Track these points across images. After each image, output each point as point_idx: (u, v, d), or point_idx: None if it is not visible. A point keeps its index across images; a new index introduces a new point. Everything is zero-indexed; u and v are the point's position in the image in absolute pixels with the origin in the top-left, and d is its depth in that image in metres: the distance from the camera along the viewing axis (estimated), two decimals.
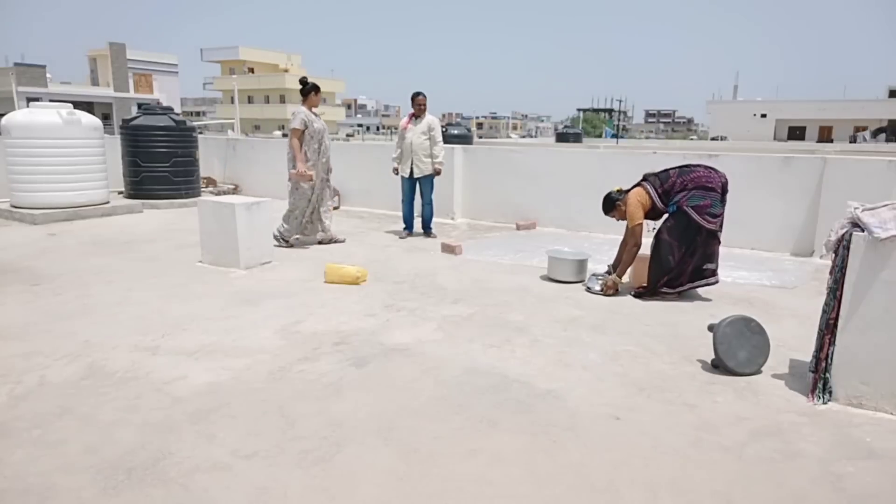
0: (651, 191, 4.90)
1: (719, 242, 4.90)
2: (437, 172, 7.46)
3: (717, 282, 4.97)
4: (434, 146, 7.33)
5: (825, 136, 55.77)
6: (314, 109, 6.85)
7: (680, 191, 4.79)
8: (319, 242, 6.93)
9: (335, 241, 7.01)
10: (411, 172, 7.37)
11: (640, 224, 4.89)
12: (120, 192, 9.96)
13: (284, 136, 31.36)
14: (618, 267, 5.16)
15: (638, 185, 5.03)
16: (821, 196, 6.61)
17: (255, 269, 5.73)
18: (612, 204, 5.09)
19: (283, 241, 6.75)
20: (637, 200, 4.92)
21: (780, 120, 60.37)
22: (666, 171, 4.96)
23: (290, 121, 6.79)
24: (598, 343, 3.94)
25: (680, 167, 4.98)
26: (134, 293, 4.88)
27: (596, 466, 2.52)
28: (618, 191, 5.11)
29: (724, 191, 4.82)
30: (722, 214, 4.80)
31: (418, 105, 7.30)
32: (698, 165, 4.97)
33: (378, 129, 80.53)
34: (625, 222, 5.04)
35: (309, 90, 6.77)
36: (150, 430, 2.75)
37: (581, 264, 5.50)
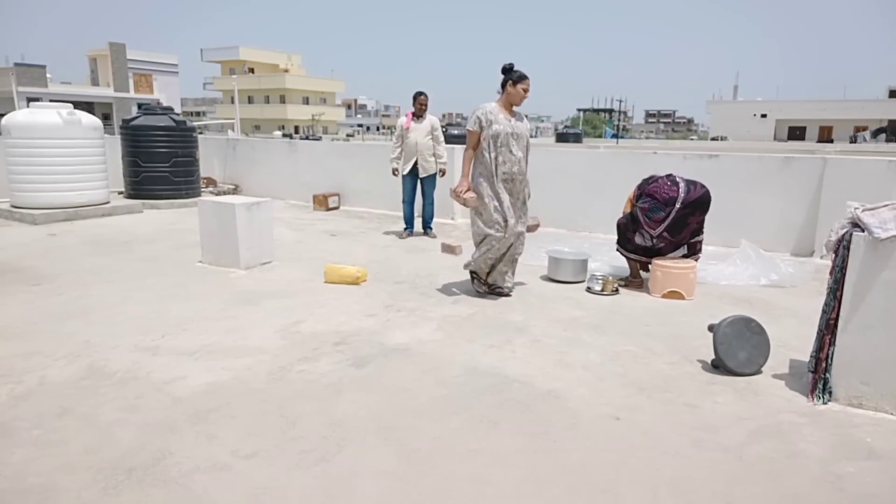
0: (634, 195, 5.37)
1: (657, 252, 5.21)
2: (443, 173, 7.47)
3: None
4: (437, 146, 7.34)
5: (825, 136, 55.79)
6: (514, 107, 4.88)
7: (640, 194, 5.25)
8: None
9: (498, 292, 5.01)
10: (416, 172, 7.37)
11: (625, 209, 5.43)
12: (120, 192, 9.96)
13: (285, 136, 31.44)
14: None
15: (642, 188, 5.31)
16: (821, 196, 6.61)
17: (255, 269, 5.73)
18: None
19: (479, 283, 5.08)
20: (628, 199, 5.46)
21: (781, 120, 60.40)
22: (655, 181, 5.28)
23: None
24: (598, 343, 3.94)
25: (658, 178, 5.26)
26: (134, 293, 4.88)
27: (596, 466, 2.52)
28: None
29: (671, 203, 5.02)
30: (664, 220, 5.04)
31: (420, 105, 7.30)
32: (672, 177, 5.19)
33: (378, 129, 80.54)
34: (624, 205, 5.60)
35: (505, 80, 4.80)
36: (150, 430, 2.75)
37: (581, 264, 5.50)
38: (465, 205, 4.86)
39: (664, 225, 5.02)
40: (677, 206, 4.96)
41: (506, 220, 4.76)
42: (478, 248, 4.97)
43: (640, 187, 5.28)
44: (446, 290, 5.14)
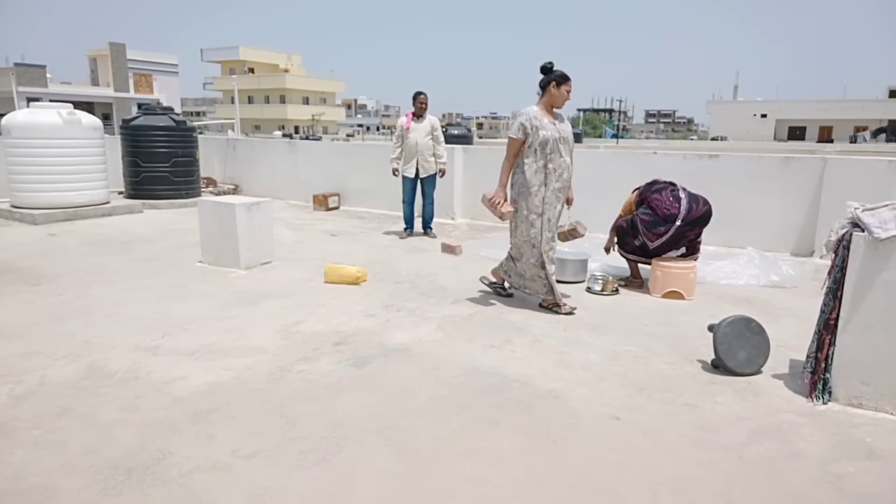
0: (635, 201, 5.30)
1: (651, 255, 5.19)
2: (443, 173, 7.47)
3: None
4: (438, 146, 7.34)
5: (825, 136, 55.79)
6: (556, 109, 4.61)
7: (641, 202, 5.21)
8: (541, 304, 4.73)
9: (557, 310, 4.59)
10: (416, 172, 7.36)
11: (619, 215, 5.41)
12: (120, 192, 9.97)
13: (285, 136, 31.41)
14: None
15: (644, 194, 5.24)
16: (821, 196, 6.61)
17: (256, 269, 5.73)
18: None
19: (500, 288, 4.99)
20: (628, 201, 5.38)
21: (781, 120, 60.39)
22: (659, 190, 5.19)
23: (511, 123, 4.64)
24: (598, 343, 3.94)
25: (663, 186, 5.21)
26: (134, 293, 4.88)
27: (596, 466, 2.52)
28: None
29: (671, 220, 4.98)
30: (663, 235, 5.02)
31: (420, 104, 7.30)
32: (675, 191, 5.13)
33: (378, 129, 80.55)
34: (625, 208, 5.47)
35: (548, 81, 4.51)
36: (150, 430, 2.75)
37: (581, 264, 5.50)
38: (501, 218, 4.54)
39: (662, 239, 5.02)
40: (677, 223, 4.95)
41: (542, 235, 4.52)
42: (513, 262, 4.77)
43: (642, 193, 5.24)
44: (446, 290, 5.14)
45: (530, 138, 4.44)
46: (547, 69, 4.52)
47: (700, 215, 4.99)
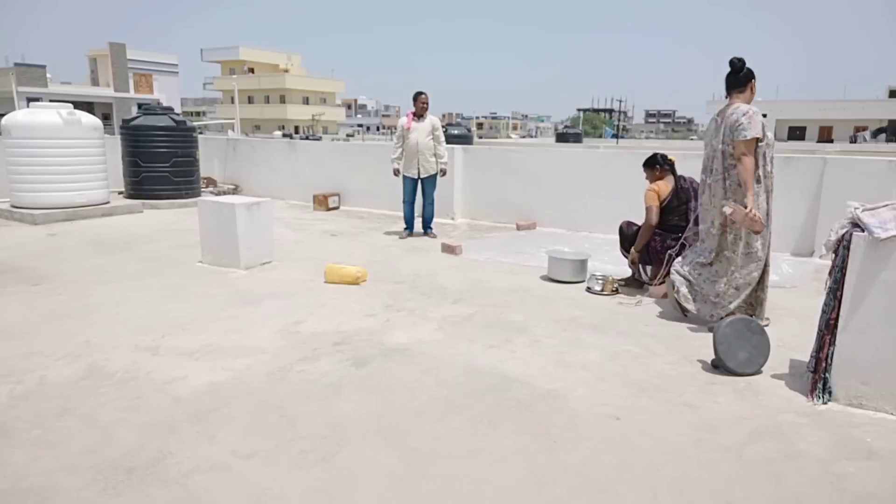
0: (672, 187, 5.04)
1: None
2: (444, 173, 7.47)
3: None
4: (438, 146, 7.34)
5: (825, 136, 55.74)
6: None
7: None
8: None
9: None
10: (417, 172, 7.36)
11: (650, 208, 4.96)
12: (120, 192, 9.97)
13: (285, 136, 31.39)
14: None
15: (675, 176, 5.11)
16: (821, 196, 6.61)
17: (256, 269, 5.73)
18: (652, 166, 5.20)
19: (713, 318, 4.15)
20: (654, 190, 5.04)
21: (781, 120, 60.26)
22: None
23: (738, 125, 3.85)
24: (598, 343, 3.94)
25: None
26: (134, 293, 4.88)
27: (596, 466, 2.52)
28: (668, 160, 5.22)
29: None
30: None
31: (421, 104, 7.30)
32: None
33: (378, 129, 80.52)
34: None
35: (748, 77, 4.03)
36: (150, 430, 2.75)
37: (581, 264, 5.50)
38: (758, 231, 3.91)
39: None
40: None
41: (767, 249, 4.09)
42: (732, 284, 4.08)
43: (665, 205, 4.96)
44: (446, 290, 5.14)
45: (765, 139, 3.85)
46: (742, 66, 4.01)
47: None
